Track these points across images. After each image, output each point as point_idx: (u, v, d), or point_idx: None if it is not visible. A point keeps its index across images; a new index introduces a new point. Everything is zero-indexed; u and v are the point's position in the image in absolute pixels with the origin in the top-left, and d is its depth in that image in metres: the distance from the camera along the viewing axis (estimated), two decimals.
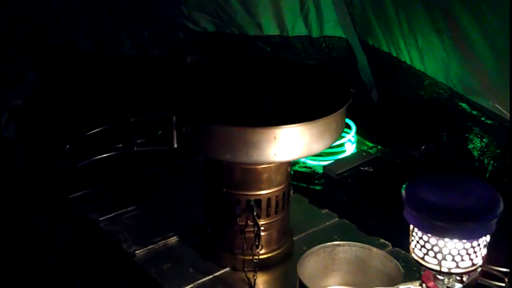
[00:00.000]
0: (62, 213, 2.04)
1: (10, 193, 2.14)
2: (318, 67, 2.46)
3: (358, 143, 2.48)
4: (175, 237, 1.88)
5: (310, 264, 1.56)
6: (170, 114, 1.54)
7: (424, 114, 2.40)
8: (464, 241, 1.31)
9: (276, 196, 1.69)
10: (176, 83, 1.79)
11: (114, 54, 2.92)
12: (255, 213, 1.64)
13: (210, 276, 1.73)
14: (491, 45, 1.95)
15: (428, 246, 1.34)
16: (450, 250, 1.32)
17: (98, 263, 1.81)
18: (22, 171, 2.29)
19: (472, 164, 2.18)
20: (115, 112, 2.45)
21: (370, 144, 2.50)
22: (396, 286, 1.46)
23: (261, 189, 1.66)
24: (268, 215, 1.70)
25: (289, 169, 1.73)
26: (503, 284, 1.42)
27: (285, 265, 1.77)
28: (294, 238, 1.87)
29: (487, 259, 1.38)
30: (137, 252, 1.82)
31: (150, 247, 1.84)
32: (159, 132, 1.58)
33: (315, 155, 2.30)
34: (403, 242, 1.55)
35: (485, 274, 1.45)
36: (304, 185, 2.23)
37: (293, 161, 2.11)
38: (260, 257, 1.68)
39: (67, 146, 1.50)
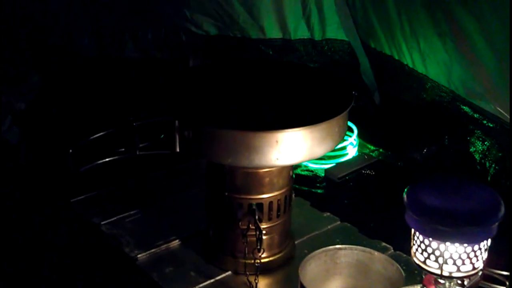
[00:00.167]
0: (63, 214, 2.05)
1: (10, 193, 2.15)
2: (320, 70, 2.46)
3: (360, 146, 2.49)
4: (177, 240, 1.89)
5: (312, 268, 1.56)
6: (173, 118, 1.54)
7: (426, 117, 2.40)
8: (465, 245, 1.31)
9: (278, 200, 1.69)
10: (179, 87, 1.80)
11: (117, 57, 2.92)
12: (257, 217, 1.64)
13: (212, 280, 1.73)
14: (493, 49, 1.95)
15: (429, 250, 1.34)
16: (451, 254, 1.32)
17: (99, 266, 1.81)
18: (25, 174, 2.29)
19: (474, 167, 2.17)
20: (117, 115, 2.46)
21: (372, 147, 2.50)
22: None
23: (263, 193, 1.67)
24: (269, 219, 1.70)
25: (291, 172, 1.73)
26: None
27: (287, 268, 1.78)
28: (296, 242, 1.87)
29: (488, 263, 1.39)
30: (139, 255, 1.82)
31: (152, 250, 1.84)
32: (162, 136, 1.58)
33: (316, 159, 2.30)
34: (404, 245, 1.56)
35: (486, 277, 1.45)
36: (306, 188, 2.23)
37: (295, 165, 2.11)
38: (262, 260, 1.69)
39: (70, 151, 1.51)
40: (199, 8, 2.74)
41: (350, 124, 2.36)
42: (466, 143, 2.22)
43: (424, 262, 1.37)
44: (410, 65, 2.40)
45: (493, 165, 2.12)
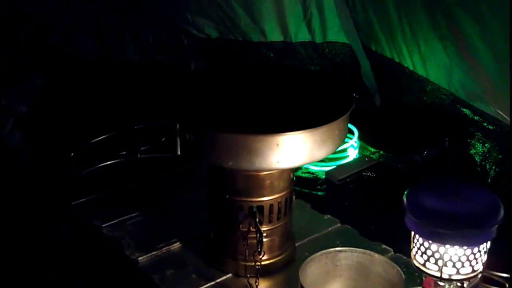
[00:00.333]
0: (63, 215, 2.05)
1: (10, 193, 2.15)
2: (321, 72, 2.46)
3: (361, 148, 2.49)
4: (178, 243, 1.89)
5: (312, 270, 1.57)
6: (174, 121, 1.55)
7: (427, 119, 2.41)
8: (465, 247, 1.32)
9: (279, 202, 1.70)
10: (180, 90, 1.80)
11: (118, 60, 2.93)
12: (257, 219, 1.65)
13: (213, 282, 1.74)
14: (493, 51, 1.96)
15: (429, 252, 1.35)
16: (451, 256, 1.33)
17: (100, 268, 1.82)
18: (26, 175, 2.30)
19: (474, 169, 2.18)
20: (119, 118, 2.46)
21: (373, 150, 2.51)
22: None
23: (264, 196, 1.67)
24: (270, 221, 1.70)
25: (291, 175, 1.74)
26: None
27: (287, 271, 1.78)
28: (296, 244, 1.87)
29: (487, 265, 1.39)
30: (140, 258, 1.83)
31: (153, 253, 1.85)
32: (163, 140, 1.59)
33: (317, 161, 2.31)
34: (404, 247, 1.56)
35: (486, 279, 1.46)
36: (307, 190, 2.24)
37: (296, 167, 2.11)
38: (262, 263, 1.69)
39: (72, 154, 1.52)
40: (200, 12, 2.75)
41: (350, 126, 2.36)
42: (466, 145, 2.23)
43: (424, 265, 1.37)
44: (411, 68, 2.41)
45: (494, 167, 2.12)
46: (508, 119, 2.01)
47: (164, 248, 1.87)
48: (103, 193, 2.15)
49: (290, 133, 1.52)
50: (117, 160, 1.58)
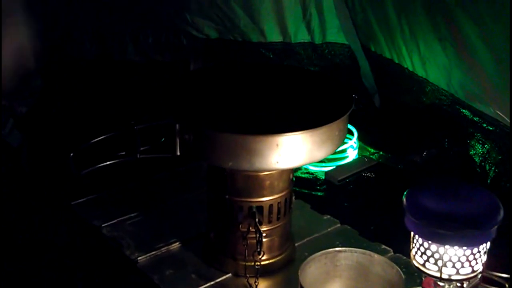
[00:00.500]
0: (63, 214, 2.05)
1: (10, 194, 2.15)
2: (320, 73, 2.47)
3: (360, 149, 2.49)
4: (177, 243, 1.89)
5: (312, 270, 1.57)
6: (173, 121, 1.55)
7: (426, 120, 2.41)
8: (465, 248, 1.32)
9: (278, 203, 1.70)
10: (179, 90, 1.80)
11: (117, 60, 2.93)
12: (257, 220, 1.65)
13: (212, 282, 1.74)
14: (493, 52, 1.96)
15: (428, 253, 1.35)
16: (450, 257, 1.33)
17: (100, 268, 1.82)
18: (26, 176, 2.30)
19: (474, 170, 2.18)
20: (119, 118, 2.46)
21: (372, 150, 2.51)
22: None
23: (263, 196, 1.67)
24: (270, 222, 1.70)
25: (291, 175, 1.74)
26: None
27: (287, 271, 1.78)
28: (296, 244, 1.87)
29: (487, 265, 1.39)
30: (139, 258, 1.83)
31: (152, 253, 1.85)
32: (163, 140, 1.59)
33: (317, 161, 2.31)
34: (404, 248, 1.56)
35: (485, 280, 1.46)
36: (306, 191, 2.24)
37: (295, 168, 2.11)
38: (262, 263, 1.69)
39: (72, 154, 1.52)
40: (200, 12, 2.75)
41: (350, 127, 2.37)
42: (466, 146, 2.23)
43: (424, 265, 1.38)
44: (410, 69, 2.41)
45: (493, 168, 2.12)
46: (508, 120, 2.01)
47: (163, 248, 1.87)
48: (103, 193, 2.15)
49: (289, 133, 1.52)
50: (116, 160, 1.58)
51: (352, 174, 2.35)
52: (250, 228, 1.66)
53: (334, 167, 2.37)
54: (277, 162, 1.53)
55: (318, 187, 2.28)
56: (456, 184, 1.42)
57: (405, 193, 1.39)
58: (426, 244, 1.35)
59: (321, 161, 2.31)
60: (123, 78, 2.88)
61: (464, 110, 2.21)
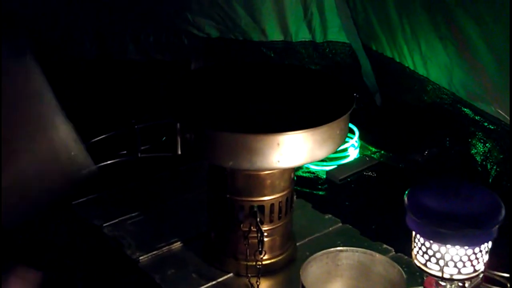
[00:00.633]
0: (63, 214, 2.05)
1: None
2: (322, 72, 2.46)
3: (361, 148, 2.49)
4: (179, 243, 1.89)
5: (313, 270, 1.56)
6: (174, 121, 1.55)
7: (427, 119, 2.41)
8: (466, 247, 1.32)
9: (279, 202, 1.70)
10: (180, 89, 1.80)
11: (118, 59, 2.92)
12: (258, 219, 1.65)
13: (214, 282, 1.74)
14: (494, 51, 1.96)
15: (430, 252, 1.35)
16: (452, 256, 1.33)
17: (100, 268, 1.82)
18: None
19: (475, 169, 2.18)
20: (119, 118, 2.46)
21: (373, 149, 2.51)
22: None
23: (264, 195, 1.67)
24: (271, 221, 1.70)
25: (292, 175, 1.74)
26: None
27: (288, 270, 1.78)
28: (297, 244, 1.87)
29: (489, 265, 1.39)
30: (141, 258, 1.82)
31: (154, 253, 1.85)
32: (163, 139, 1.59)
33: (318, 161, 2.30)
34: (406, 247, 1.56)
35: (487, 279, 1.46)
36: (307, 190, 2.24)
37: (296, 167, 2.11)
38: (263, 262, 1.69)
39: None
40: (201, 11, 2.75)
41: (351, 126, 2.36)
42: (467, 145, 2.23)
43: (425, 265, 1.37)
44: (411, 68, 2.41)
45: (495, 167, 2.12)
46: (509, 119, 2.01)
47: (165, 248, 1.87)
48: (103, 193, 2.14)
49: (291, 132, 1.52)
50: (117, 160, 1.58)
51: (354, 173, 2.35)
52: (252, 227, 1.66)
53: (335, 166, 2.37)
54: (278, 161, 1.53)
55: (320, 186, 2.28)
56: (458, 183, 1.42)
57: (406, 192, 1.39)
58: (427, 244, 1.35)
59: (322, 160, 2.31)
60: (123, 78, 2.88)
61: (465, 109, 2.21)
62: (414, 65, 2.39)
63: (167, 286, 1.72)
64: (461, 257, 1.33)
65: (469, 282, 1.39)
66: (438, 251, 1.33)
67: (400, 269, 1.53)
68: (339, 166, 2.37)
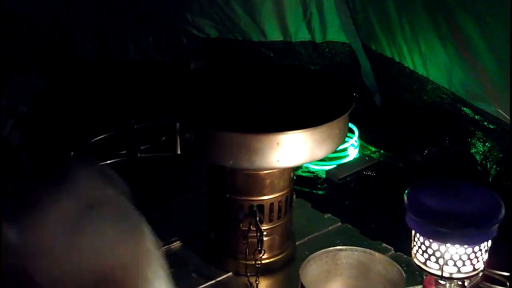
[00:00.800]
0: None
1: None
2: (321, 72, 2.47)
3: (361, 147, 2.49)
4: (178, 242, 1.89)
5: (313, 269, 1.56)
6: (174, 120, 1.55)
7: (427, 118, 2.41)
8: (466, 246, 1.32)
9: (279, 201, 1.70)
10: (180, 89, 1.80)
11: (118, 59, 2.93)
12: (257, 218, 1.65)
13: (213, 281, 1.73)
14: (493, 51, 1.96)
15: (429, 251, 1.35)
16: (451, 255, 1.33)
17: None
18: (26, 176, 2.29)
19: (475, 168, 2.18)
20: (119, 118, 2.46)
21: (373, 149, 2.51)
22: None
23: (264, 195, 1.67)
24: (270, 220, 1.70)
25: (291, 174, 1.74)
26: None
27: (288, 270, 1.78)
28: (297, 243, 1.87)
29: (488, 263, 1.39)
30: None
31: None
32: (163, 139, 1.59)
33: (317, 160, 2.30)
34: (405, 246, 1.56)
35: (486, 278, 1.46)
36: (307, 189, 2.24)
37: (296, 166, 2.12)
38: (263, 262, 1.69)
39: (72, 153, 1.51)
40: (200, 12, 2.75)
41: (351, 125, 2.36)
42: (467, 144, 2.23)
43: (425, 263, 1.37)
44: (411, 68, 2.41)
45: (494, 166, 2.12)
46: (509, 118, 2.01)
47: (164, 247, 1.86)
48: None
49: (290, 132, 1.52)
50: (117, 160, 1.58)
51: (353, 172, 2.35)
52: (251, 226, 1.66)
53: (335, 165, 2.37)
54: (278, 161, 1.53)
55: (319, 186, 2.28)
56: (457, 182, 1.42)
57: (406, 191, 1.39)
58: (427, 243, 1.35)
59: (321, 160, 2.31)
60: (123, 78, 2.88)
61: (465, 109, 2.21)
62: (413, 64, 2.39)
63: None
64: (460, 256, 1.33)
65: (469, 281, 1.39)
66: (438, 250, 1.33)
67: (400, 268, 1.53)
68: (339, 165, 2.37)
